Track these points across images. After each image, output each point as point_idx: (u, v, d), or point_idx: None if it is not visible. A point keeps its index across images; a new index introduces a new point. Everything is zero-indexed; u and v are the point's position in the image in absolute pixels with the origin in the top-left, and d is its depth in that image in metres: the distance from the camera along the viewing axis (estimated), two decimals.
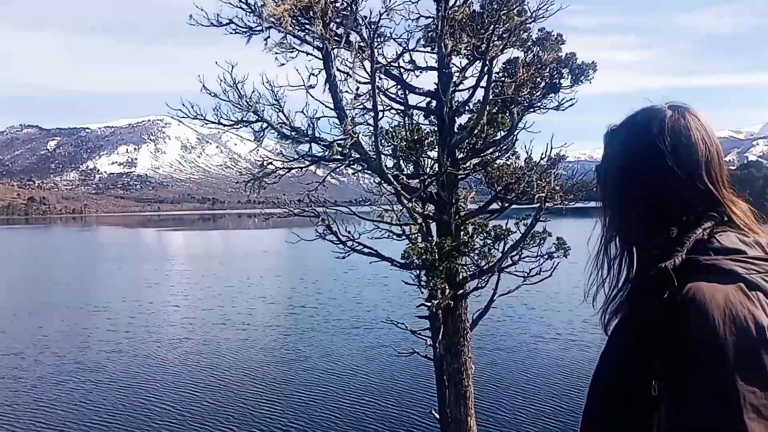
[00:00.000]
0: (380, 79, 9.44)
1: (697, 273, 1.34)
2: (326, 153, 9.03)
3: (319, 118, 8.83)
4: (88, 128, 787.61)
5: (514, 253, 10.01)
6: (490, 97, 9.54)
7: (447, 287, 9.82)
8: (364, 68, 8.65)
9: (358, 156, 8.90)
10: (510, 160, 10.64)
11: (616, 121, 1.59)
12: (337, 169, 9.99)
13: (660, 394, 1.30)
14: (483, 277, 10.26)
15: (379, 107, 8.94)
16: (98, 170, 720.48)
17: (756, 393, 1.21)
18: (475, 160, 10.52)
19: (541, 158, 9.90)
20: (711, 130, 1.49)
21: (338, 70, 8.67)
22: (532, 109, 10.30)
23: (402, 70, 10.05)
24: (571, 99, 10.29)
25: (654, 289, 1.37)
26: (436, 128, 10.29)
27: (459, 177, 10.28)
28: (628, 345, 1.40)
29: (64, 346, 25.14)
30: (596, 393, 1.46)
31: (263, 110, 8.76)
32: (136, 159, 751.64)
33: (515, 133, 10.11)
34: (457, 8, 9.49)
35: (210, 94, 8.67)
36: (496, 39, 9.22)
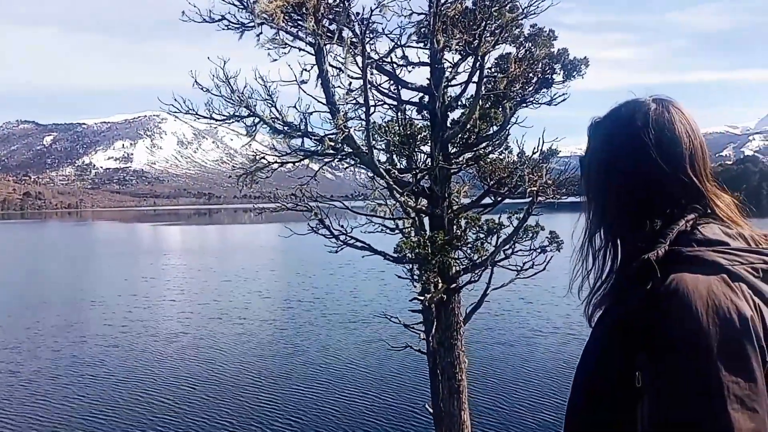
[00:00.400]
0: (372, 74, 9.43)
1: (680, 264, 1.35)
2: (318, 147, 9.03)
3: (311, 113, 8.82)
4: (84, 124, 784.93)
5: (507, 246, 10.00)
6: (483, 92, 9.54)
7: (440, 281, 9.81)
8: (357, 64, 8.64)
9: (351, 150, 8.90)
10: (502, 155, 10.63)
11: (600, 114, 1.59)
12: (332, 164, 9.97)
13: (644, 386, 1.30)
14: (476, 271, 10.24)
15: (372, 102, 8.94)
16: (94, 165, 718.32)
17: (740, 384, 1.22)
18: (467, 155, 10.50)
19: (534, 153, 9.90)
20: (695, 123, 1.49)
21: (330, 65, 8.67)
22: (524, 105, 10.28)
23: (394, 65, 10.02)
24: (563, 94, 10.28)
25: (637, 281, 1.38)
26: (428, 123, 10.27)
27: (452, 171, 10.27)
28: (612, 337, 1.41)
29: (60, 341, 25.12)
30: (580, 384, 1.47)
31: (255, 105, 8.76)
32: (132, 154, 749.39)
33: (507, 128, 10.08)
34: (449, 4, 9.47)
35: (202, 89, 8.65)
36: (488, 35, 9.20)
